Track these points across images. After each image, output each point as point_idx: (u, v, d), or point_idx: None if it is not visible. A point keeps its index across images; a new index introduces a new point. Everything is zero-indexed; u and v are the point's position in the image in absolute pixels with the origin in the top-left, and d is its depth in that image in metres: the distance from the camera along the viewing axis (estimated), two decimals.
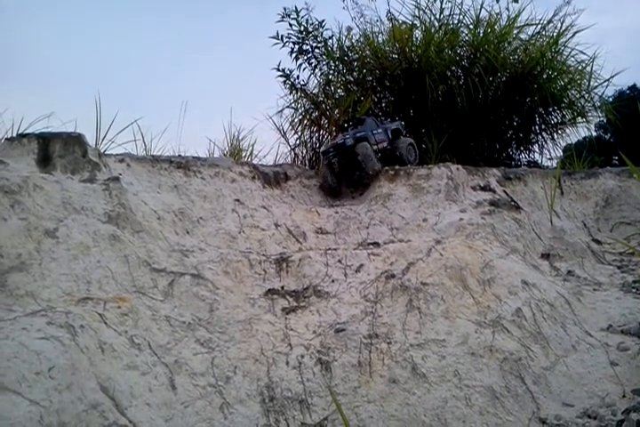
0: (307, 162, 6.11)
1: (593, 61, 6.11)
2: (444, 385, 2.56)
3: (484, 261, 3.29)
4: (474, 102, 5.67)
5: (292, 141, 6.30)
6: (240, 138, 5.64)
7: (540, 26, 6.16)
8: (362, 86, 6.19)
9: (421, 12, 6.16)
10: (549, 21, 6.14)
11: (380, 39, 6.27)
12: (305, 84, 6.20)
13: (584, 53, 6.14)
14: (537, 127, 6.48)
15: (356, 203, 4.57)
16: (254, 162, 5.16)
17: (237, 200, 3.94)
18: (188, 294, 2.86)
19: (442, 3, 6.04)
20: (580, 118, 6.43)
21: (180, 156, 4.20)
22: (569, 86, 6.21)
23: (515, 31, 6.13)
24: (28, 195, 2.67)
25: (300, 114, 6.30)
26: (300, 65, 6.15)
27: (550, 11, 6.28)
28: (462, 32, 6.13)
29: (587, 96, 6.30)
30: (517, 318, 2.94)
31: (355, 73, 6.29)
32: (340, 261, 3.48)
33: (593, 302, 3.39)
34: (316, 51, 6.16)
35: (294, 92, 6.22)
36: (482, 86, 5.64)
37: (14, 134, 3.37)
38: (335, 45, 6.19)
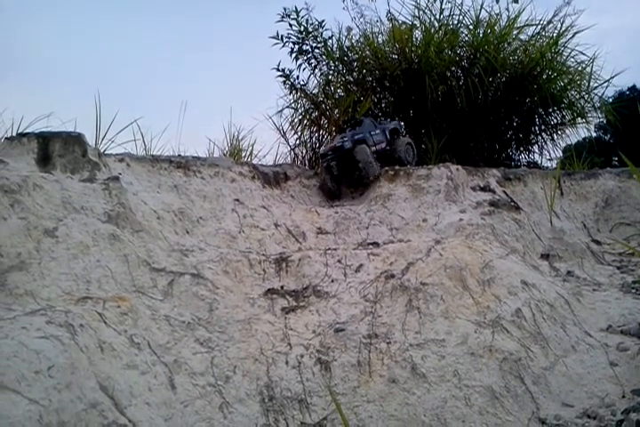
0: (306, 162, 6.11)
1: (593, 62, 6.13)
2: (444, 385, 2.56)
3: (484, 261, 3.29)
4: (474, 103, 5.67)
5: (291, 141, 6.31)
6: (240, 138, 5.65)
7: (539, 26, 6.18)
8: (362, 86, 6.20)
9: (421, 12, 6.17)
10: (549, 22, 6.15)
11: (379, 39, 6.28)
12: (305, 85, 6.20)
13: (584, 54, 6.16)
14: (537, 128, 6.48)
15: (356, 203, 4.57)
16: (254, 162, 5.17)
17: (237, 200, 3.94)
18: (188, 293, 2.86)
19: (442, 3, 6.05)
20: (579, 119, 6.44)
21: (179, 155, 4.20)
22: (569, 87, 6.22)
23: (514, 32, 6.13)
24: (27, 194, 2.67)
25: (300, 114, 6.30)
26: (300, 65, 6.16)
27: (550, 11, 6.36)
28: (462, 32, 6.14)
29: (586, 97, 6.31)
30: (517, 319, 2.94)
31: (354, 73, 6.30)
32: (339, 261, 3.48)
33: (592, 303, 3.39)
34: (316, 51, 6.16)
35: (294, 92, 6.22)
36: (481, 87, 5.64)
37: (14, 134, 3.37)
38: (335, 46, 6.20)
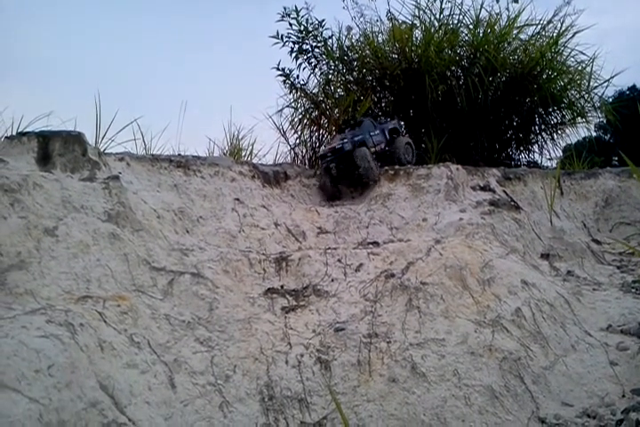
0: (306, 161, 6.10)
1: (593, 62, 6.12)
2: (444, 384, 2.56)
3: (484, 260, 3.29)
4: (473, 102, 5.67)
5: (291, 141, 6.30)
6: (240, 137, 5.63)
7: (539, 26, 6.16)
8: (361, 86, 6.19)
9: (421, 11, 6.16)
10: (549, 22, 6.14)
11: (379, 39, 6.27)
12: (305, 84, 6.20)
13: (584, 54, 6.15)
14: (537, 127, 6.48)
15: (356, 202, 4.57)
16: (254, 161, 5.17)
17: (237, 199, 3.94)
18: (188, 292, 2.86)
19: (442, 3, 6.04)
20: (579, 119, 6.44)
21: (179, 155, 4.20)
22: (569, 87, 6.21)
23: (514, 31, 6.12)
24: (27, 193, 2.67)
25: (300, 113, 6.30)
26: (300, 64, 6.15)
27: (550, 11, 6.31)
28: (462, 32, 6.13)
29: (586, 96, 6.30)
30: (517, 318, 2.94)
31: (354, 73, 6.29)
32: (339, 260, 3.48)
33: (592, 302, 3.39)
34: (316, 50, 6.16)
35: (294, 91, 6.21)
36: (481, 86, 5.64)
37: (14, 133, 3.36)
38: (335, 45, 6.19)
